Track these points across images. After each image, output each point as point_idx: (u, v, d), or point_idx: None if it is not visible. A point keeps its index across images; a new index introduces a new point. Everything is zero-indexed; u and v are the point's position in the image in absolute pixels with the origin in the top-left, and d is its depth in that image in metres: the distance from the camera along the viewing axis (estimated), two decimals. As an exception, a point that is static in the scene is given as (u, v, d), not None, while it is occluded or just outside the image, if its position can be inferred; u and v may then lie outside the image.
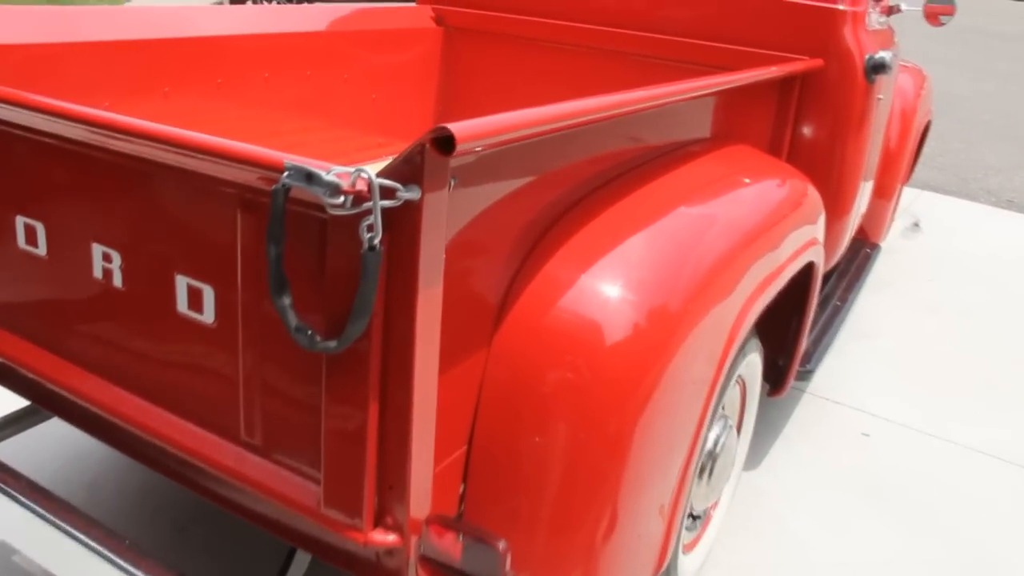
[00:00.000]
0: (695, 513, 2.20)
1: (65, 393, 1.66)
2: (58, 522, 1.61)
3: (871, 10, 2.89)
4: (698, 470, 1.98)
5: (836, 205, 2.78)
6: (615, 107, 1.52)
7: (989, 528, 2.66)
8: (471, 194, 1.31)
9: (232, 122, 2.65)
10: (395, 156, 1.11)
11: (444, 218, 1.18)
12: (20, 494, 1.66)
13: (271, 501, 1.41)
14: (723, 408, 2.15)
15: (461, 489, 1.51)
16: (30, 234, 1.63)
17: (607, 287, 1.55)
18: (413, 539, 1.33)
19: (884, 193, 3.94)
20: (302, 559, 1.73)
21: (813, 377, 2.96)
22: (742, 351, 2.09)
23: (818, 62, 2.65)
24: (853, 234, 3.31)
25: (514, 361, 1.48)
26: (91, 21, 2.23)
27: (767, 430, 3.01)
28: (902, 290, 4.46)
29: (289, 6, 2.87)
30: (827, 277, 3.54)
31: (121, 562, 1.53)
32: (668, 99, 1.74)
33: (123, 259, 1.50)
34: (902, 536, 2.58)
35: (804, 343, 2.58)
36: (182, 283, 1.42)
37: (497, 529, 1.43)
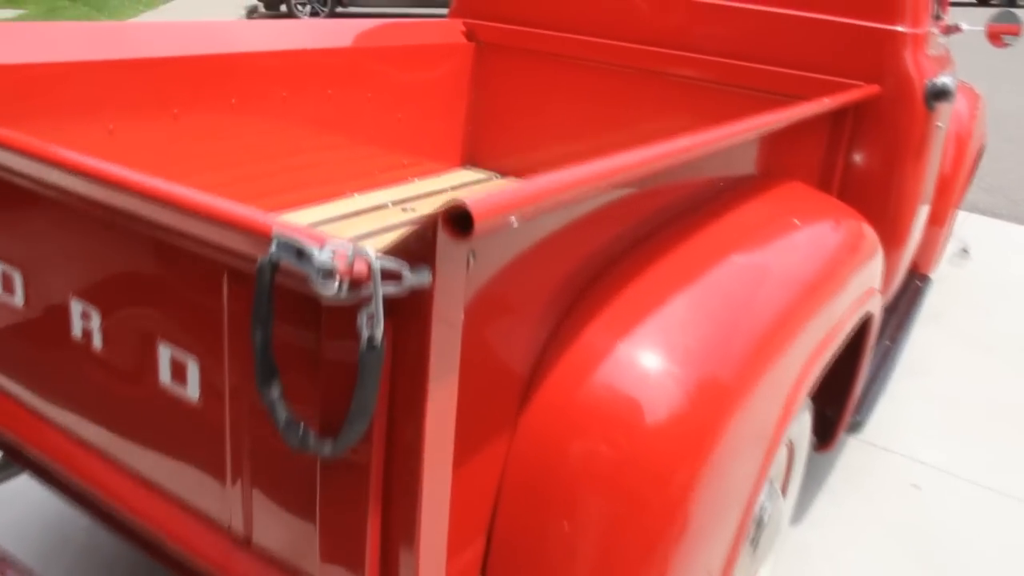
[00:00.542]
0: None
1: (34, 451, 1.50)
2: None
3: (932, 30, 2.68)
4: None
5: (890, 243, 2.57)
6: (658, 160, 1.34)
7: (1054, 599, 2.45)
8: (494, 265, 1.13)
9: (246, 145, 2.49)
10: (411, 224, 0.92)
11: (460, 302, 0.99)
12: None
13: None
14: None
15: None
16: (7, 281, 1.47)
17: (648, 357, 1.37)
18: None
19: (937, 220, 3.70)
20: None
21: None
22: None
23: (874, 88, 2.45)
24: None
25: (542, 442, 1.30)
26: (93, 38, 2.07)
27: (811, 479, 2.81)
28: (952, 321, 4.22)
29: (314, 19, 2.71)
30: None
31: None
32: (715, 146, 1.55)
33: (102, 318, 1.33)
34: (957, 606, 2.38)
35: (856, 395, 2.38)
36: (165, 353, 1.25)
37: None
